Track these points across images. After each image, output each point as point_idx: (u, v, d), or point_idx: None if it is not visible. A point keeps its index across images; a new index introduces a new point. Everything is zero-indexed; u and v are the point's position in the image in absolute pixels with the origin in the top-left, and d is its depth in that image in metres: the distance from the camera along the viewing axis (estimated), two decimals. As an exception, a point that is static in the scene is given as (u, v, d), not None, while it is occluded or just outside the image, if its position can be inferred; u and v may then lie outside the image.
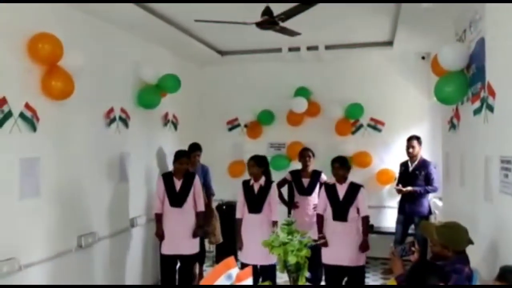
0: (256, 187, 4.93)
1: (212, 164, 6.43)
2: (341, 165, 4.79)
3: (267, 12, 4.15)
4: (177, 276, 5.33)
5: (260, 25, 4.21)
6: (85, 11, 4.43)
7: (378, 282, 6.07)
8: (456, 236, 2.85)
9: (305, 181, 5.76)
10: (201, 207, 5.26)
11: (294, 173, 5.91)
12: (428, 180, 6.03)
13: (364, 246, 4.66)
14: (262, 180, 4.93)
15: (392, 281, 3.24)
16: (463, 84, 3.86)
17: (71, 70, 3.99)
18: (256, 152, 6.97)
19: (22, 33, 3.67)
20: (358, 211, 4.75)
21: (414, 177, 6.11)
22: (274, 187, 4.98)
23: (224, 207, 6.86)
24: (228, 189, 7.10)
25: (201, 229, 5.37)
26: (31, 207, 3.80)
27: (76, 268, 4.38)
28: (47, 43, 3.75)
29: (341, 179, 4.78)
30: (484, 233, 3.09)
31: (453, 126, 4.60)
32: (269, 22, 4.14)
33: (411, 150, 6.17)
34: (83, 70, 4.23)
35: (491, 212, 3.15)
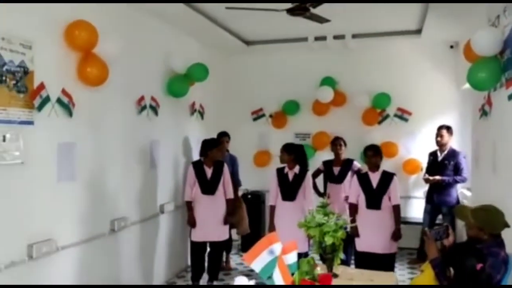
0: (290, 175, 4.95)
1: (237, 154, 6.47)
2: (375, 153, 4.80)
3: (298, -3, 4.16)
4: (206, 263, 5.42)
5: (291, 11, 4.23)
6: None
7: (405, 271, 6.06)
8: (492, 219, 2.83)
9: (336, 170, 5.78)
10: (231, 195, 5.34)
11: (326, 163, 5.94)
12: (457, 170, 5.98)
13: (397, 235, 4.66)
14: (297, 169, 4.95)
15: (426, 265, 3.25)
16: (497, 69, 3.81)
17: (105, 57, 4.08)
18: (281, 142, 6.95)
19: (59, 21, 3.76)
20: (389, 199, 4.75)
21: (443, 167, 6.07)
22: (308, 175, 4.98)
23: (249, 196, 6.92)
24: (253, 178, 7.18)
25: (230, 217, 5.43)
26: (68, 190, 3.90)
27: (108, 251, 4.49)
28: (84, 30, 3.83)
29: (374, 167, 4.79)
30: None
31: (484, 113, 4.55)
32: (300, 8, 4.16)
33: (439, 139, 6.12)
34: (117, 58, 4.30)
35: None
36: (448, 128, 6.15)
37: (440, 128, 6.16)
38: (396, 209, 4.71)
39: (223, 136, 5.93)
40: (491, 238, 2.83)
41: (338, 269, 2.92)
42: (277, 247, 2.07)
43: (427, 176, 6.15)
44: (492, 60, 3.85)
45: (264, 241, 2.10)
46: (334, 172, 5.79)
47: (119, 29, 4.55)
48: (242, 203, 6.15)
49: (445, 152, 6.11)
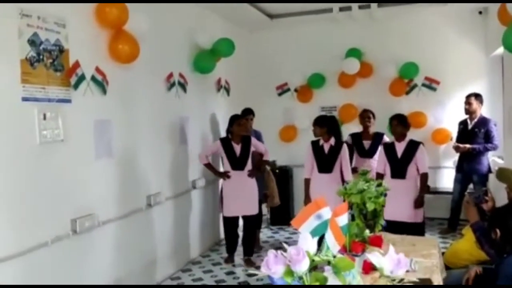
0: (326, 147, 4.94)
1: (263, 129, 6.43)
2: (399, 122, 4.77)
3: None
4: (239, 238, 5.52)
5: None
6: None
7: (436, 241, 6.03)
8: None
9: (366, 143, 5.75)
10: (267, 156, 5.50)
11: (355, 135, 5.89)
12: (488, 138, 5.90)
13: (418, 202, 4.65)
14: (332, 141, 4.93)
15: (467, 229, 3.25)
16: (535, 31, 3.73)
17: (136, 34, 4.10)
18: (307, 116, 7.05)
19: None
20: (417, 168, 4.73)
21: (473, 135, 5.99)
22: (345, 147, 4.95)
23: (277, 171, 6.94)
24: (280, 154, 7.21)
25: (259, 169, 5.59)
26: (105, 167, 3.98)
27: (146, 225, 4.60)
28: (114, 7, 3.84)
29: (400, 136, 4.76)
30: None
31: (519, 78, 4.46)
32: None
33: (467, 106, 6.04)
34: (146, 34, 4.32)
35: None
36: (477, 96, 6.04)
37: (469, 96, 6.06)
38: (423, 177, 4.70)
39: (247, 114, 5.94)
40: (534, 200, 2.81)
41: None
42: (326, 212, 2.08)
43: (457, 144, 6.08)
44: (529, 21, 3.76)
45: (312, 205, 2.10)
46: (364, 146, 5.75)
47: (146, 7, 4.55)
48: (271, 175, 6.17)
49: (475, 120, 6.03)
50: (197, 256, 5.66)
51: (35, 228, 3.22)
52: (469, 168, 6.09)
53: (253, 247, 5.46)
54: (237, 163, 5.25)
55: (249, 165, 5.30)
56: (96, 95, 3.86)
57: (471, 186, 6.24)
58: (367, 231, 2.45)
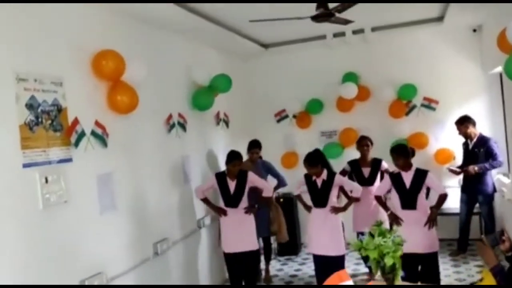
0: (319, 182, 4.91)
1: (265, 158, 6.39)
2: (398, 154, 4.69)
3: (322, 4, 4.06)
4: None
5: (316, 18, 4.13)
6: (139, 19, 4.49)
7: (448, 264, 5.97)
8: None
9: (365, 171, 5.68)
10: (268, 192, 5.27)
11: (353, 163, 5.83)
12: (490, 155, 5.86)
13: (431, 217, 4.57)
14: (324, 175, 4.90)
15: (486, 272, 3.17)
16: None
17: (133, 83, 4.05)
18: (307, 141, 7.01)
19: (85, 53, 3.73)
20: (427, 196, 4.67)
21: (474, 155, 5.99)
22: (337, 177, 4.93)
23: (281, 200, 6.86)
24: (284, 181, 7.11)
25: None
26: (111, 220, 3.90)
27: (154, 275, 4.49)
28: (110, 60, 3.79)
29: (404, 167, 4.69)
30: None
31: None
32: (325, 14, 4.06)
33: (458, 132, 6.10)
34: (143, 81, 4.27)
35: None
36: (461, 121, 6.08)
37: (456, 123, 6.15)
38: (441, 197, 4.62)
39: (252, 148, 5.87)
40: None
41: (398, 287, 2.87)
42: (348, 284, 2.02)
43: (452, 168, 6.21)
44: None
45: (334, 278, 2.05)
46: (363, 173, 5.69)
47: (142, 52, 4.52)
48: (279, 208, 6.09)
49: (475, 140, 6.03)
50: (208, 296, 5.57)
51: (43, 296, 3.13)
52: (474, 188, 6.06)
53: (255, 283, 5.34)
54: (231, 201, 5.13)
55: (244, 202, 5.15)
56: (97, 149, 3.79)
57: (477, 205, 6.21)
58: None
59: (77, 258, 3.46)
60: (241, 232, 5.14)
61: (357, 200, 5.05)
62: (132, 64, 4.01)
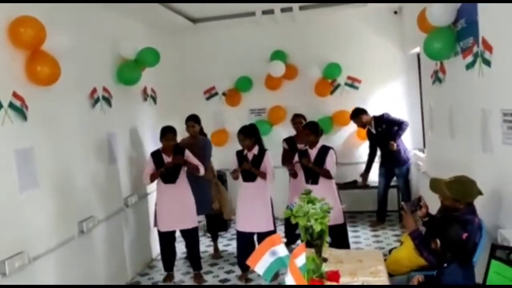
0: (250, 156, 4.95)
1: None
2: (311, 131, 4.94)
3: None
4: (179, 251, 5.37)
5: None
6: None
7: (369, 234, 6.32)
8: (468, 189, 2.99)
9: (301, 147, 5.80)
10: (199, 172, 5.17)
11: (289, 140, 5.98)
12: (393, 124, 6.32)
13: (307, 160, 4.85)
14: (256, 149, 4.95)
15: (405, 237, 3.39)
16: (452, 39, 3.95)
17: (55, 53, 3.82)
18: (237, 119, 7.02)
19: (0, 19, 3.46)
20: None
21: (381, 134, 6.41)
22: (267, 154, 4.99)
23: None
24: (215, 158, 7.09)
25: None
26: (32, 198, 3.69)
27: (80, 253, 4.34)
28: (29, 27, 3.54)
29: (312, 144, 4.93)
30: (483, 183, 3.23)
31: (438, 79, 4.72)
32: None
33: (357, 125, 6.69)
34: (66, 52, 4.04)
35: (491, 163, 3.30)
36: (356, 114, 6.50)
37: (351, 119, 6.65)
38: (323, 171, 4.81)
39: (188, 121, 5.77)
40: (466, 207, 2.99)
41: (326, 252, 2.99)
42: (281, 249, 2.07)
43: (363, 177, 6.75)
44: (446, 30, 3.97)
45: (267, 242, 2.09)
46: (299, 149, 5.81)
47: (64, 21, 4.28)
48: (220, 185, 6.09)
49: (372, 123, 6.46)
50: (136, 275, 5.46)
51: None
52: (390, 162, 6.44)
53: (199, 260, 5.32)
54: (168, 176, 5.06)
55: (182, 178, 5.14)
56: (16, 122, 3.56)
57: (395, 178, 6.62)
58: (324, 267, 2.47)
59: (-4, 237, 3.26)
60: (179, 209, 5.08)
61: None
62: (53, 33, 3.77)
